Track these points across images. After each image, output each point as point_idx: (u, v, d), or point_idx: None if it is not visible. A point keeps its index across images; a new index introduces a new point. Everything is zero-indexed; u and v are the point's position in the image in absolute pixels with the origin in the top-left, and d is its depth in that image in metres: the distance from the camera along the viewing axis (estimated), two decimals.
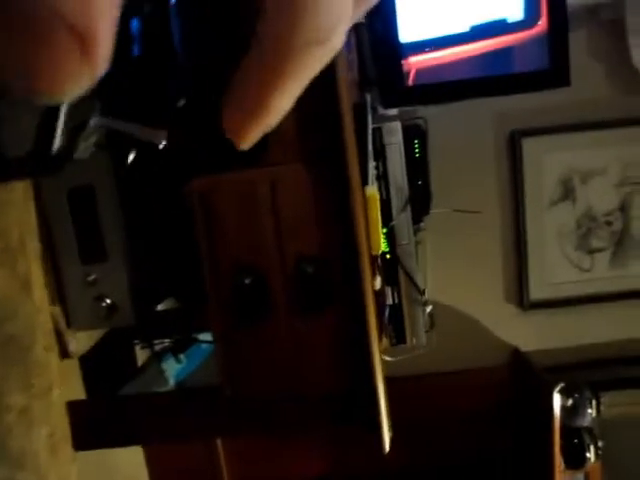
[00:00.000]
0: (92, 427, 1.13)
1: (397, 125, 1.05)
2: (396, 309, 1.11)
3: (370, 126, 0.98)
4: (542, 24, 1.23)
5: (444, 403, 1.72)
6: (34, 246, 0.35)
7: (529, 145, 1.63)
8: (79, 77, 0.13)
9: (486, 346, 1.72)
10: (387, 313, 1.09)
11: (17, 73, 0.12)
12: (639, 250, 1.70)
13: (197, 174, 0.90)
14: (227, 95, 0.18)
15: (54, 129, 0.18)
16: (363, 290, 0.86)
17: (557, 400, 1.39)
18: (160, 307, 1.33)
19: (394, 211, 1.06)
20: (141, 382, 1.55)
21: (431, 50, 1.22)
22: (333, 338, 0.94)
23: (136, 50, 0.24)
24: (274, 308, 0.96)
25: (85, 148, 0.21)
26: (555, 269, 1.70)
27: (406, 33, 1.20)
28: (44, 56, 0.12)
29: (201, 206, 0.92)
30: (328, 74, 0.78)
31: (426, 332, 1.13)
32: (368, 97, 1.02)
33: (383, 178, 1.05)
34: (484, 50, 1.24)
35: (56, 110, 0.18)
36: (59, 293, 1.08)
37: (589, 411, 1.41)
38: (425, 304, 1.10)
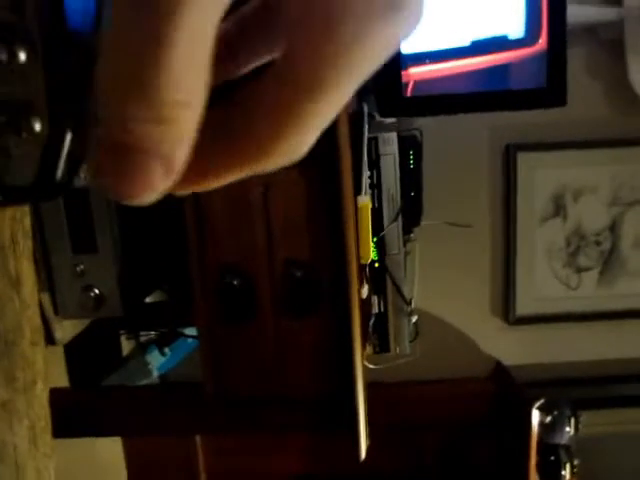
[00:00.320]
0: (73, 416, 1.14)
1: (393, 136, 1.06)
2: (381, 318, 1.12)
3: (366, 135, 0.99)
4: (542, 43, 1.24)
5: (424, 411, 1.73)
6: (26, 244, 0.36)
7: (523, 160, 1.64)
8: (158, 189, 0.15)
9: (469, 358, 1.74)
10: (372, 321, 1.10)
11: (108, 181, 0.15)
12: (626, 270, 1.72)
13: None
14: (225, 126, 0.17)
15: (58, 159, 0.19)
16: (349, 297, 0.87)
17: (536, 416, 1.40)
18: (148, 300, 1.33)
19: (385, 221, 1.06)
20: (125, 373, 1.55)
21: (431, 62, 1.23)
22: (316, 343, 0.95)
23: None
24: (260, 309, 0.96)
25: (85, 177, 0.22)
26: (543, 285, 1.71)
27: (407, 44, 1.21)
28: (135, 176, 0.15)
29: (193, 206, 0.93)
30: None
31: (410, 342, 1.14)
32: (365, 107, 1.03)
33: (376, 187, 1.06)
34: (483, 65, 1.25)
35: (60, 142, 0.19)
36: (48, 281, 1.09)
37: (567, 429, 1.43)
38: (411, 314, 1.11)
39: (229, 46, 0.20)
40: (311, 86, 0.15)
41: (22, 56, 0.18)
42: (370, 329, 1.09)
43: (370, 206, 0.94)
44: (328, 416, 0.98)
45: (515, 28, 1.25)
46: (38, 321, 0.37)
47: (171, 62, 0.13)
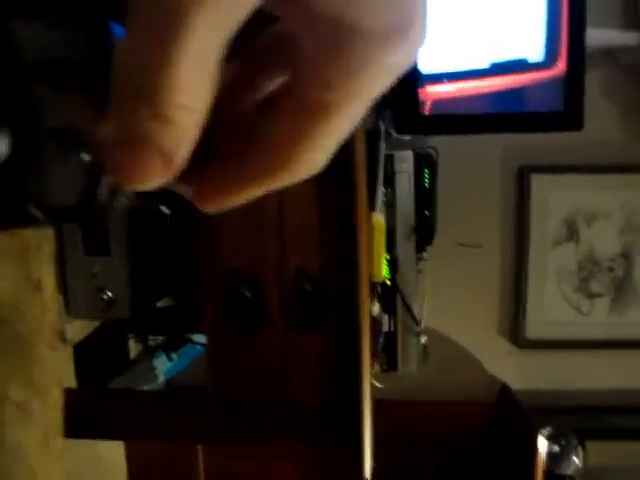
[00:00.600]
0: (79, 417, 1.15)
1: (409, 153, 1.07)
2: (391, 337, 1.12)
3: (382, 153, 1.00)
4: (560, 66, 1.25)
5: (426, 432, 1.72)
6: (49, 248, 0.36)
7: (537, 181, 1.64)
8: (157, 179, 0.17)
9: (476, 380, 1.72)
10: (382, 340, 1.10)
11: (117, 168, 0.17)
12: (639, 299, 1.70)
13: None
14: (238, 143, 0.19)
15: (99, 184, 0.21)
16: (359, 313, 0.87)
17: (542, 445, 1.38)
18: (158, 304, 1.34)
19: (398, 239, 1.07)
20: (131, 376, 1.56)
21: (449, 82, 1.24)
22: (323, 356, 0.95)
23: None
24: (268, 320, 0.97)
25: (122, 202, 0.23)
26: (553, 309, 1.69)
27: (426, 63, 1.22)
28: (137, 165, 0.16)
29: (206, 215, 0.93)
30: None
31: (418, 362, 1.13)
32: (382, 125, 1.03)
33: (391, 205, 1.06)
34: (502, 87, 1.26)
35: (101, 169, 0.20)
36: (60, 281, 1.10)
37: (574, 459, 1.40)
38: (420, 334, 1.10)
39: (245, 73, 0.21)
40: (320, 109, 0.17)
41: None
42: (379, 347, 1.09)
43: (384, 223, 0.94)
44: (331, 430, 0.97)
45: (534, 51, 1.26)
46: (57, 325, 0.38)
47: (178, 72, 0.15)
